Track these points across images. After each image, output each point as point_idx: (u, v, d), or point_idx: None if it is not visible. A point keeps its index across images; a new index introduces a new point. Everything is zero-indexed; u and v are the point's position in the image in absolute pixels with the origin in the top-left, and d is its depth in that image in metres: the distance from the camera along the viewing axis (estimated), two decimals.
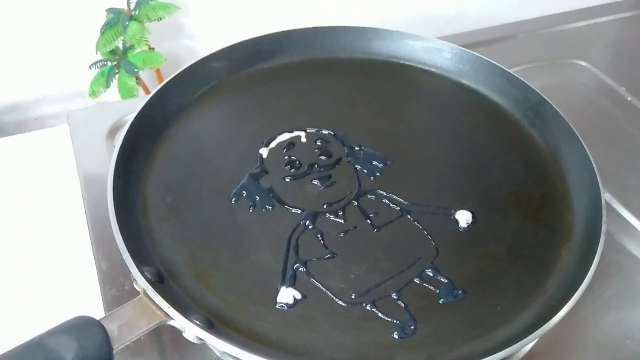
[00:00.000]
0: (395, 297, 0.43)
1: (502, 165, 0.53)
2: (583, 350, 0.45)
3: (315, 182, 0.50)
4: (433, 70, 0.62)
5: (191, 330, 0.38)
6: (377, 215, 0.48)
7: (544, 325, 0.39)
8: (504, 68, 0.59)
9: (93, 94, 0.84)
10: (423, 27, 0.89)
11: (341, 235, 0.46)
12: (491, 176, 0.52)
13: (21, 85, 0.85)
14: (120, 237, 0.41)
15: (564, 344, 0.45)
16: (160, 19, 0.81)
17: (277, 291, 0.43)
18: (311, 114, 0.56)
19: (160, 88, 0.54)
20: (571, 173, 0.52)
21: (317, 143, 0.53)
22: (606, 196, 0.54)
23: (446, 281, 0.44)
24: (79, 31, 0.82)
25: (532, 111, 0.56)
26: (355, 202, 0.49)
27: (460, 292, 0.43)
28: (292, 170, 0.51)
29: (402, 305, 0.42)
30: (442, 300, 0.43)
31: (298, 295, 0.42)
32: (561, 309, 0.40)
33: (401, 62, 0.62)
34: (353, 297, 0.43)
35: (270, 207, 0.48)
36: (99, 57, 0.84)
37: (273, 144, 0.53)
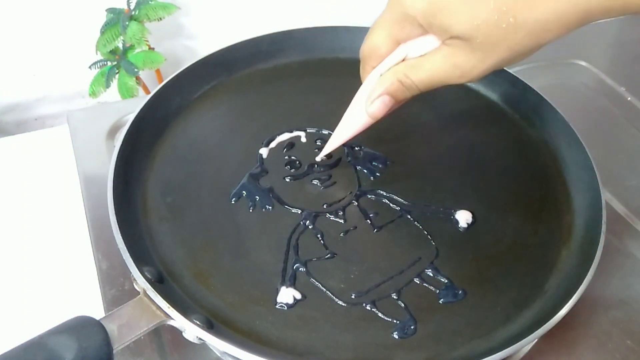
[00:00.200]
0: (395, 297, 0.43)
1: (502, 165, 0.53)
2: (583, 350, 0.45)
3: (315, 182, 0.50)
4: None
5: (191, 330, 0.38)
6: (377, 215, 0.48)
7: (544, 325, 0.39)
8: (504, 68, 0.58)
9: (93, 94, 0.84)
10: None
11: (341, 235, 0.46)
12: (491, 176, 0.52)
13: (21, 85, 0.85)
14: (120, 237, 0.41)
15: (564, 344, 0.45)
16: (160, 19, 0.81)
17: (277, 291, 0.43)
18: (311, 114, 0.56)
19: (160, 88, 0.54)
20: (571, 173, 0.52)
21: (317, 143, 0.53)
22: (606, 196, 0.54)
23: (446, 281, 0.44)
24: (79, 31, 0.82)
25: (532, 111, 0.56)
26: (355, 202, 0.49)
27: (460, 292, 0.43)
28: (292, 170, 0.51)
29: (402, 305, 0.42)
30: (442, 300, 0.43)
31: (298, 295, 0.42)
32: (561, 309, 0.40)
33: None
34: (353, 297, 0.43)
35: (270, 207, 0.48)
36: (99, 57, 0.84)
37: (273, 144, 0.53)
